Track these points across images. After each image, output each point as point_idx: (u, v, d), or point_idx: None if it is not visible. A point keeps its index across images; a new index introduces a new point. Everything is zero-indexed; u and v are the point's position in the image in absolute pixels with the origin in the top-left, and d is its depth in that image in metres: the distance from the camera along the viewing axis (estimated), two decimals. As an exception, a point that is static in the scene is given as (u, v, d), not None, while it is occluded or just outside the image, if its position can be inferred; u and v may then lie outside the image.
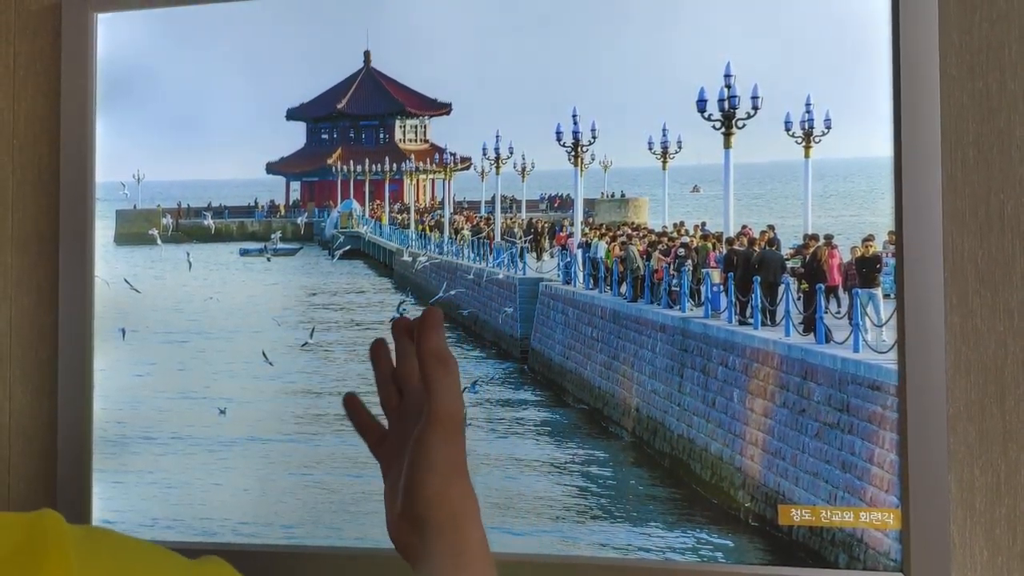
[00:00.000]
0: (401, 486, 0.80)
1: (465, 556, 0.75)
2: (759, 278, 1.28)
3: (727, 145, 1.26)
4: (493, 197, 1.43)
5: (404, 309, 1.41)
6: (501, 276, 1.43)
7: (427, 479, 0.77)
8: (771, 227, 1.28)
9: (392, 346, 0.88)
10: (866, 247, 1.21)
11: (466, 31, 1.32)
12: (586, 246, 1.38)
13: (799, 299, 1.25)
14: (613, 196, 1.36)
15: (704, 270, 1.31)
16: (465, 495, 0.78)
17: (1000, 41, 1.19)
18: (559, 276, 1.41)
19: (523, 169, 1.37)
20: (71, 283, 1.43)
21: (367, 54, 1.37)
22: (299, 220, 1.47)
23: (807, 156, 1.24)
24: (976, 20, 1.20)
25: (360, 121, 1.45)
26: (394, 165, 1.45)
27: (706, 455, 1.26)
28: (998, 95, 1.19)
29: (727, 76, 1.24)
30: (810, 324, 1.24)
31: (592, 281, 1.38)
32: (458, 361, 1.36)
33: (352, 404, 0.91)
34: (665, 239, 1.34)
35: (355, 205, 1.47)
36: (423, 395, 0.79)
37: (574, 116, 1.30)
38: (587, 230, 1.38)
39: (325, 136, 1.44)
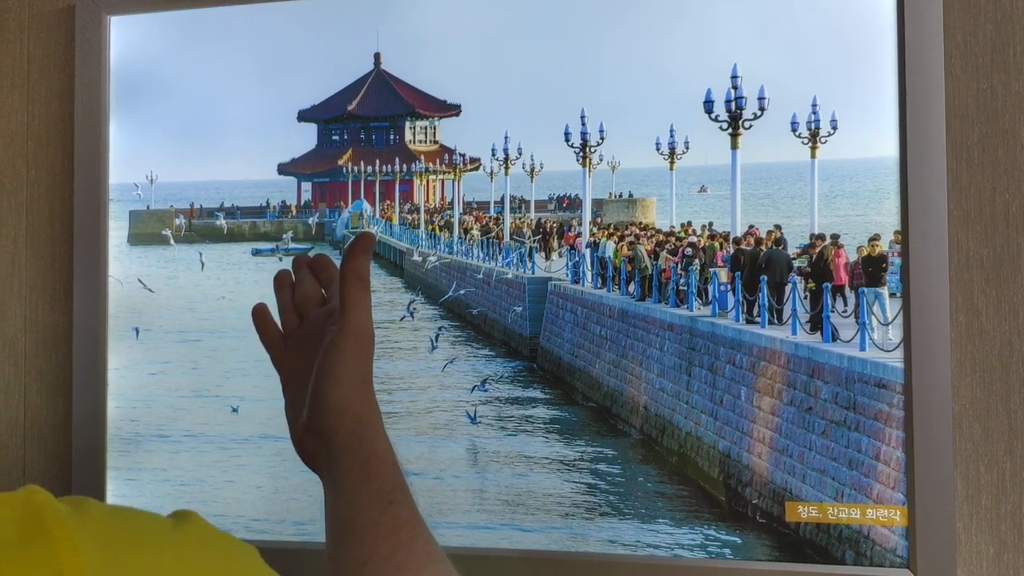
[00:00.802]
0: (308, 397, 0.81)
1: (371, 464, 0.77)
2: (766, 277, 1.29)
3: (734, 146, 1.27)
4: (502, 197, 1.44)
5: (414, 309, 1.42)
6: (510, 276, 1.44)
7: (334, 390, 0.79)
8: (778, 227, 1.29)
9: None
10: (872, 246, 1.22)
11: (475, 33, 1.34)
12: (594, 246, 1.39)
13: (806, 298, 1.26)
14: (621, 196, 1.37)
15: (711, 269, 1.32)
16: (369, 407, 0.80)
17: (1004, 42, 1.20)
18: (568, 275, 1.42)
19: (532, 170, 1.38)
20: (85, 283, 1.44)
21: (377, 56, 1.38)
22: (310, 220, 1.48)
23: (813, 156, 1.25)
24: (980, 22, 1.21)
25: (371, 122, 1.46)
26: (404, 166, 1.46)
27: (714, 452, 1.27)
28: (1003, 96, 1.20)
29: (734, 77, 1.25)
30: (817, 323, 1.25)
31: (600, 280, 1.40)
32: (468, 360, 1.38)
33: (260, 316, 0.94)
34: (673, 239, 1.35)
35: (366, 205, 1.48)
36: (327, 317, 0.83)
37: (582, 117, 1.31)
38: (595, 230, 1.39)
39: (336, 137, 1.46)
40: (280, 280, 0.93)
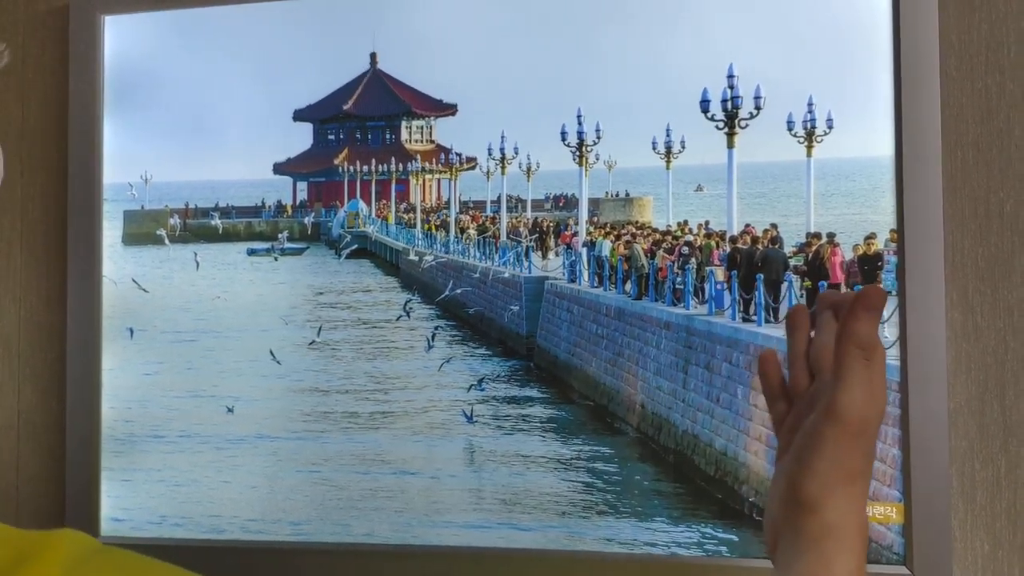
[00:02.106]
0: (782, 483, 0.68)
1: None
2: (762, 276, 1.29)
3: (730, 145, 1.28)
4: (499, 197, 1.44)
5: (411, 308, 1.42)
6: (507, 275, 1.44)
7: (806, 482, 0.65)
8: (774, 225, 1.30)
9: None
10: (868, 245, 1.23)
11: (472, 33, 1.34)
12: (591, 245, 1.39)
13: (802, 296, 1.27)
14: (618, 195, 1.37)
15: (708, 268, 1.32)
16: (845, 514, 0.65)
17: (999, 42, 1.21)
18: (564, 274, 1.42)
19: (528, 169, 1.38)
20: (79, 283, 1.44)
21: (373, 56, 1.38)
22: (306, 220, 1.48)
23: (809, 155, 1.25)
24: (975, 21, 1.21)
25: (367, 122, 1.46)
26: (400, 165, 1.46)
27: (711, 451, 1.27)
28: (997, 95, 1.21)
29: (730, 77, 1.26)
30: (813, 321, 1.25)
31: (597, 279, 1.40)
32: (465, 359, 1.39)
33: (769, 363, 0.74)
34: (669, 238, 1.36)
35: (361, 205, 1.48)
36: (830, 385, 0.66)
37: (579, 117, 1.31)
38: (592, 229, 1.39)
39: (332, 137, 1.46)
40: (797, 320, 0.73)
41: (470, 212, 1.48)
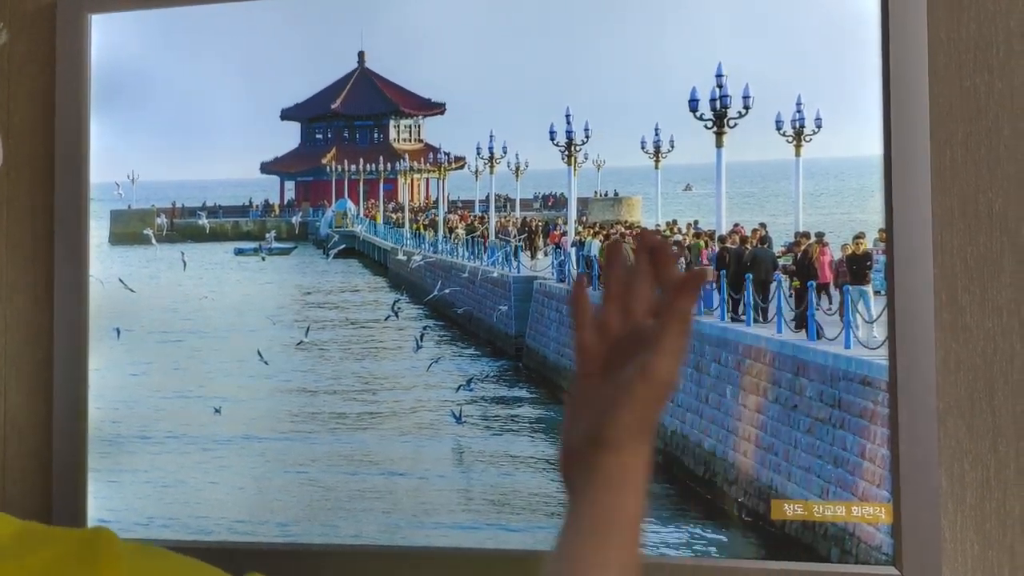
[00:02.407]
0: (588, 421, 0.74)
1: (611, 531, 0.71)
2: (751, 275, 1.29)
3: (719, 144, 1.27)
4: (487, 196, 1.44)
5: (399, 308, 1.41)
6: (495, 274, 1.44)
7: (612, 428, 0.72)
8: (763, 225, 1.29)
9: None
10: (857, 244, 1.23)
11: (460, 32, 1.33)
12: (580, 244, 1.39)
13: (791, 296, 1.27)
14: (606, 195, 1.37)
15: (697, 268, 1.32)
16: (637, 466, 0.73)
17: (988, 41, 1.21)
18: (553, 274, 1.42)
19: (517, 168, 1.38)
20: (66, 283, 1.43)
21: (361, 55, 1.38)
22: (294, 219, 1.48)
23: (798, 155, 1.25)
24: (964, 20, 1.21)
25: (354, 121, 1.46)
26: (388, 165, 1.46)
27: (699, 451, 1.27)
28: (986, 94, 1.21)
29: (719, 76, 1.26)
30: (802, 321, 1.25)
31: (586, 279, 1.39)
32: (453, 359, 1.38)
33: (582, 294, 0.79)
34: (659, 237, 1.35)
35: (349, 204, 1.48)
36: (644, 344, 0.73)
37: (567, 116, 1.31)
38: (581, 229, 1.39)
39: (319, 136, 1.45)
40: (616, 254, 0.79)
41: (458, 211, 1.48)
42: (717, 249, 1.30)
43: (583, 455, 0.74)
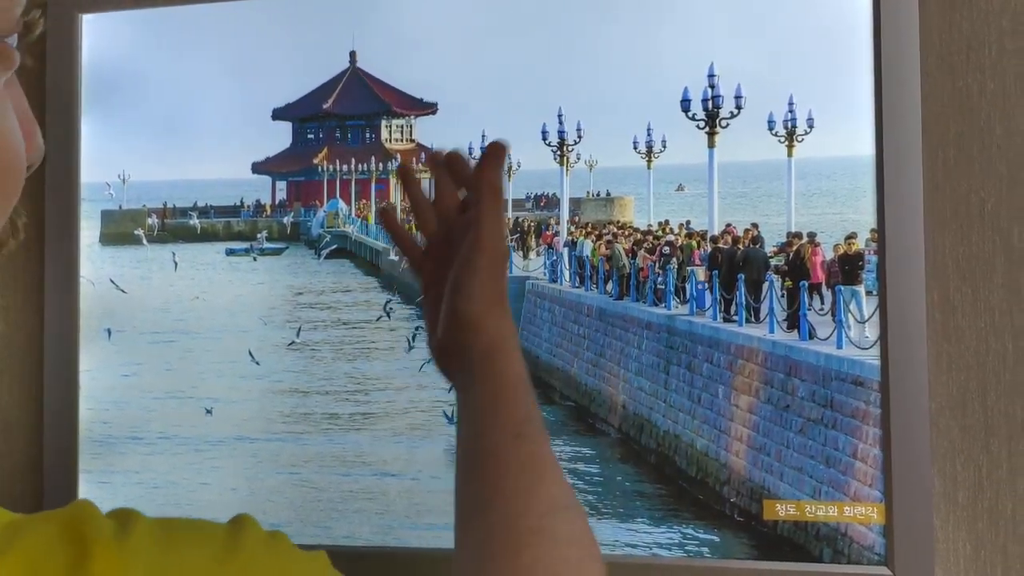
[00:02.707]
0: (443, 312, 0.79)
1: (501, 394, 0.74)
2: (743, 276, 1.29)
3: (711, 144, 1.27)
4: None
5: (391, 309, 1.41)
6: (487, 275, 1.43)
7: (467, 307, 0.76)
8: (755, 225, 1.29)
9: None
10: (848, 245, 1.23)
11: (452, 31, 1.33)
12: (572, 245, 1.39)
13: (783, 296, 1.27)
14: (599, 195, 1.37)
15: (689, 268, 1.32)
16: (503, 329, 0.76)
17: (980, 41, 1.21)
18: (545, 275, 1.42)
19: (509, 168, 1.38)
20: (56, 284, 1.42)
21: (353, 54, 1.37)
22: (285, 220, 1.47)
23: (790, 155, 1.25)
24: (956, 20, 1.21)
25: (346, 121, 1.45)
26: (380, 164, 1.45)
27: (692, 451, 1.27)
28: (978, 94, 1.20)
29: (711, 76, 1.25)
30: (794, 321, 1.25)
31: (578, 279, 1.39)
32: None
33: (390, 219, 0.92)
34: (650, 237, 1.35)
35: (341, 204, 1.47)
36: (467, 228, 0.79)
37: (559, 116, 1.31)
38: (573, 229, 1.38)
39: (311, 136, 1.45)
40: (408, 176, 0.90)
41: (451, 212, 1.47)
42: (709, 249, 1.30)
43: (453, 347, 0.77)
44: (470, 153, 1.37)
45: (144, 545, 0.46)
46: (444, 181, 0.86)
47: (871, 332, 1.19)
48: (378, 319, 1.40)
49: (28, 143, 0.49)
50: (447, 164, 0.85)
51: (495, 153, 0.81)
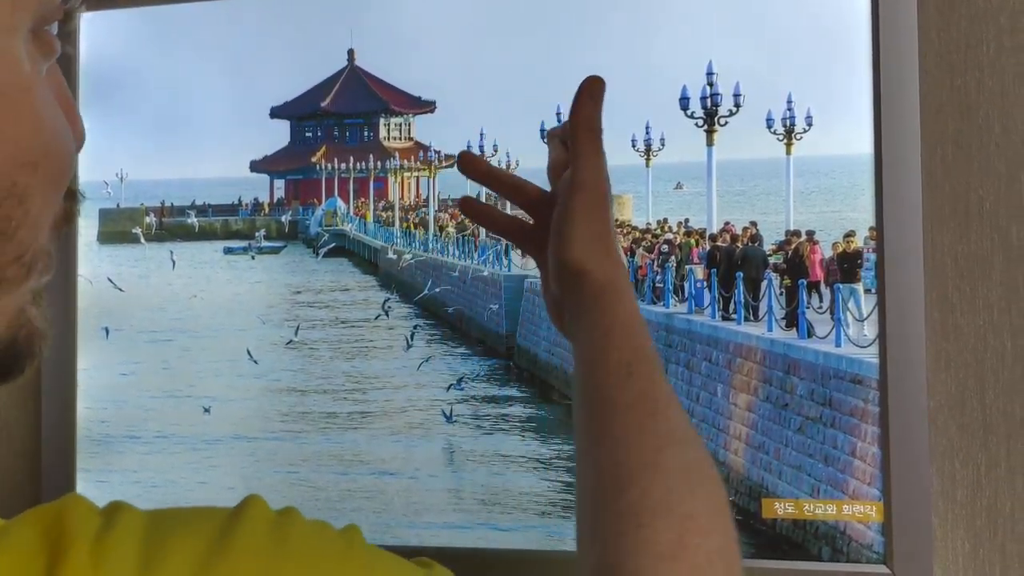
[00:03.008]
0: (548, 264, 0.76)
1: (612, 333, 0.70)
2: (742, 274, 1.29)
3: (710, 142, 1.27)
4: (478, 194, 1.43)
5: (389, 307, 1.41)
6: (486, 273, 1.43)
7: (568, 254, 0.73)
8: (753, 223, 1.29)
9: None
10: (847, 243, 1.23)
11: (451, 29, 1.33)
12: (570, 243, 1.38)
13: (781, 295, 1.27)
14: (597, 193, 1.37)
15: (687, 266, 1.32)
16: (608, 268, 0.73)
17: (978, 39, 1.21)
18: (544, 273, 1.41)
19: (508, 166, 1.37)
20: (54, 283, 1.41)
21: (351, 52, 1.37)
22: (283, 218, 1.47)
23: (789, 153, 1.25)
24: (954, 18, 1.21)
25: (344, 119, 1.45)
26: (379, 163, 1.45)
27: (690, 450, 1.27)
28: (976, 92, 1.20)
29: (709, 74, 1.25)
30: (792, 319, 1.25)
31: (577, 278, 1.39)
32: (444, 358, 1.37)
33: (472, 204, 0.89)
34: (649, 236, 1.35)
35: (339, 203, 1.47)
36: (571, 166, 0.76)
37: (558, 114, 1.30)
38: (571, 227, 1.38)
39: (309, 134, 1.44)
40: (472, 164, 0.88)
41: (449, 210, 1.47)
42: (708, 247, 1.30)
43: (563, 298, 0.74)
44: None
45: (126, 542, 0.44)
46: (555, 145, 0.84)
47: (870, 330, 1.19)
48: (376, 318, 1.40)
49: (73, 128, 0.50)
50: (561, 135, 0.83)
51: (590, 89, 0.78)
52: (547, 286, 0.79)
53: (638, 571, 0.61)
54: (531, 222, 0.84)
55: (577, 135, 0.76)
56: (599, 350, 0.70)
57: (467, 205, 0.89)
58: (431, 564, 0.51)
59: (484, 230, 1.44)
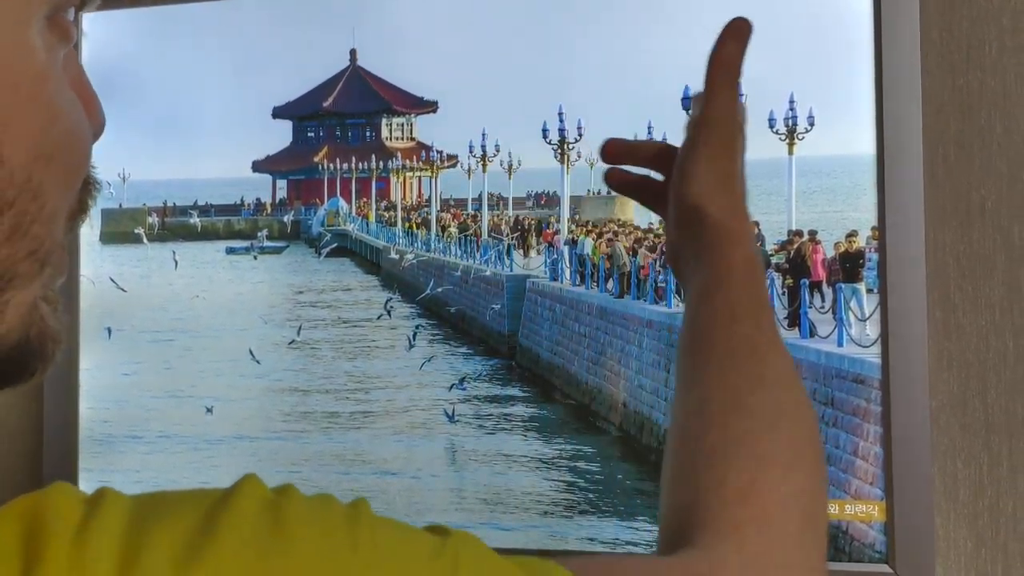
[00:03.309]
0: (670, 204, 0.71)
1: (724, 278, 0.67)
2: (744, 274, 1.29)
3: (712, 142, 1.27)
4: (480, 194, 1.43)
5: (392, 307, 1.41)
6: (488, 273, 1.43)
7: (689, 190, 0.68)
8: (755, 223, 1.29)
9: None
10: (849, 242, 1.23)
11: (452, 29, 1.33)
12: (573, 243, 1.39)
13: (784, 294, 1.27)
14: (600, 193, 1.37)
15: (690, 266, 1.32)
16: (730, 210, 0.68)
17: (980, 39, 1.21)
18: (546, 273, 1.42)
19: (510, 167, 1.38)
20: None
21: (353, 52, 1.37)
22: (286, 218, 1.47)
23: (791, 153, 1.25)
24: (956, 18, 1.21)
25: (346, 119, 1.45)
26: (381, 163, 1.45)
27: (693, 449, 1.27)
28: (978, 92, 1.21)
29: (712, 74, 1.25)
30: (795, 319, 1.25)
31: (579, 278, 1.39)
32: (446, 358, 1.38)
33: (618, 174, 0.80)
34: (651, 235, 1.35)
35: (342, 203, 1.47)
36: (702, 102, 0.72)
37: (560, 114, 1.31)
38: (574, 227, 1.38)
39: (311, 134, 1.45)
40: (618, 151, 0.80)
41: (451, 210, 1.47)
42: (710, 247, 1.30)
43: (681, 243, 0.70)
44: (470, 152, 1.37)
45: (105, 537, 0.41)
46: (695, 104, 0.78)
47: (872, 330, 1.19)
48: (379, 317, 1.40)
49: (91, 116, 0.48)
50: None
51: (735, 28, 0.73)
52: (670, 234, 0.74)
53: (708, 513, 0.59)
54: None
55: (713, 72, 0.72)
56: (707, 295, 0.67)
57: (613, 176, 0.82)
58: (447, 532, 0.46)
59: (485, 231, 1.45)
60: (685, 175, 0.69)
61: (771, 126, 1.24)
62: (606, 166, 0.82)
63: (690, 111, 0.77)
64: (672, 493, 0.64)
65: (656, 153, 0.78)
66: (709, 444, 0.62)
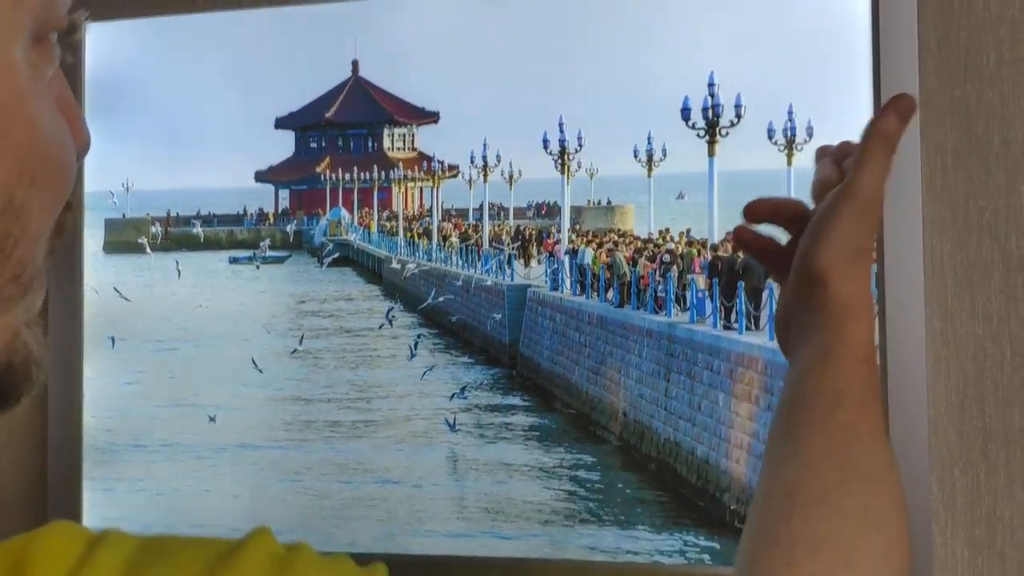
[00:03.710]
0: (793, 266, 0.68)
1: (833, 355, 0.64)
2: (743, 284, 1.30)
3: (711, 153, 1.28)
4: (481, 205, 1.44)
5: (393, 316, 1.42)
6: (489, 283, 1.44)
7: (818, 255, 0.65)
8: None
9: None
10: (848, 252, 1.23)
11: (454, 41, 1.34)
12: (573, 253, 1.39)
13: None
14: (599, 203, 1.38)
15: (689, 276, 1.32)
16: (855, 284, 0.65)
17: (978, 50, 1.21)
18: (547, 282, 1.42)
19: (511, 177, 1.39)
20: (60, 292, 1.43)
21: (355, 64, 1.38)
22: (288, 228, 1.48)
23: (789, 164, 1.26)
24: (954, 29, 1.22)
25: (348, 130, 1.46)
26: (382, 173, 1.46)
27: (692, 458, 1.27)
28: (976, 103, 1.21)
29: (711, 85, 1.26)
30: (794, 328, 1.26)
31: (579, 287, 1.40)
32: (447, 367, 1.38)
33: (747, 234, 0.76)
34: (651, 245, 1.36)
35: (344, 213, 1.48)
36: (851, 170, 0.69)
37: (560, 125, 1.31)
38: (574, 237, 1.39)
39: (314, 145, 1.45)
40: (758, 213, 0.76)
41: (452, 220, 1.48)
42: (710, 257, 1.31)
43: (795, 305, 0.67)
44: (471, 162, 1.38)
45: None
46: (826, 165, 0.74)
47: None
48: (380, 327, 1.41)
49: (76, 135, 0.48)
50: (833, 154, 0.75)
51: (900, 104, 0.70)
52: (785, 297, 0.70)
53: None
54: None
55: (871, 142, 0.69)
56: (815, 368, 0.64)
57: (741, 235, 0.78)
58: None
59: (486, 241, 1.45)
60: (819, 240, 0.67)
61: (770, 137, 1.25)
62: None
63: (818, 171, 0.74)
64: (750, 564, 0.62)
65: (796, 214, 0.75)
66: (787, 536, 0.59)
